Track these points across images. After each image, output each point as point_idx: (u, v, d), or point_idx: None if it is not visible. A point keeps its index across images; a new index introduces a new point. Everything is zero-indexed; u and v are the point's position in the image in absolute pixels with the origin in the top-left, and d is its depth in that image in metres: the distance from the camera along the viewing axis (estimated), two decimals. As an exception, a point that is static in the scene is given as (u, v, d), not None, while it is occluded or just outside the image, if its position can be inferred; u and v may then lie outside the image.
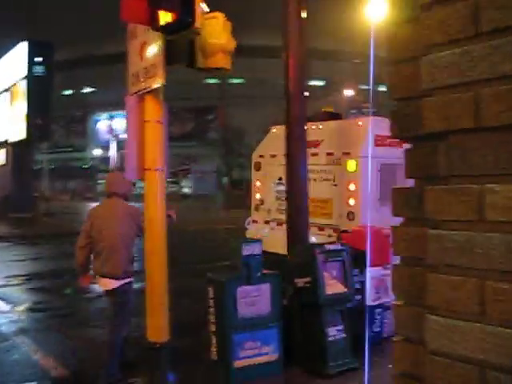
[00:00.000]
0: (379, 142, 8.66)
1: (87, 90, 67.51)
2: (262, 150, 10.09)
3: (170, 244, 5.09)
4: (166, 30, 4.49)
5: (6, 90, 29.64)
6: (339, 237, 7.65)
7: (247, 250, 5.87)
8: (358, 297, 6.82)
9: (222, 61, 4.99)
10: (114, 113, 60.81)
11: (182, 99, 47.78)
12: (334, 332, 6.10)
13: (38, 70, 26.21)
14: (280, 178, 9.15)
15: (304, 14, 6.54)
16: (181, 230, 16.08)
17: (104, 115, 65.18)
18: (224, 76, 44.64)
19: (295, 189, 6.61)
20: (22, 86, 27.13)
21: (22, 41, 27.55)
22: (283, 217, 8.03)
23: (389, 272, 7.49)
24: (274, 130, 10.11)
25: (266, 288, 5.92)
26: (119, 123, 60.00)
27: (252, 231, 10.04)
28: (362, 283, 6.99)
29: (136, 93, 5.05)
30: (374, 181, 8.42)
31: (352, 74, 42.78)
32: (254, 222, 10.19)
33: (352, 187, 8.42)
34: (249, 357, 5.71)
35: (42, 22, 47.64)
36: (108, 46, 61.12)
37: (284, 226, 7.65)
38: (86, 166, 64.84)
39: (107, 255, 5.70)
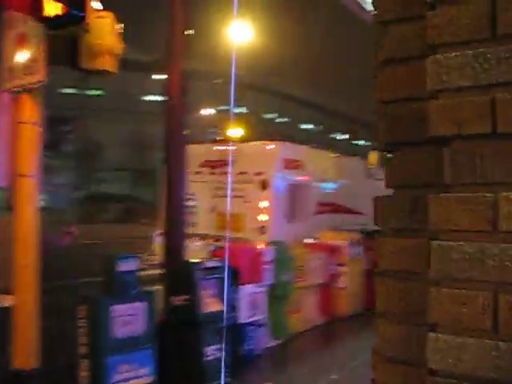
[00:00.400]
0: (286, 164, 9.91)
1: None
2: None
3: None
4: (52, 22, 4.10)
5: None
6: (212, 254, 7.52)
7: (123, 266, 5.52)
8: (232, 314, 6.74)
9: (108, 63, 4.69)
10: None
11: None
12: (212, 351, 5.94)
13: None
14: (191, 193, 9.05)
15: (189, 32, 6.46)
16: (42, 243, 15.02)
17: None
18: (83, 87, 42.90)
19: (172, 203, 6.37)
20: None
21: None
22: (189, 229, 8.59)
23: (262, 289, 7.54)
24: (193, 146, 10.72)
25: (141, 306, 5.59)
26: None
27: (159, 243, 9.76)
28: (236, 300, 6.93)
29: (10, 90, 4.55)
30: (282, 199, 9.66)
31: (211, 94, 43.19)
32: (162, 234, 10.04)
33: (263, 204, 9.41)
34: (123, 380, 5.33)
35: None
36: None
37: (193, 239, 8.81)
38: None
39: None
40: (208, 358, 5.86)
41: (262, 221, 9.38)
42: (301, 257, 8.79)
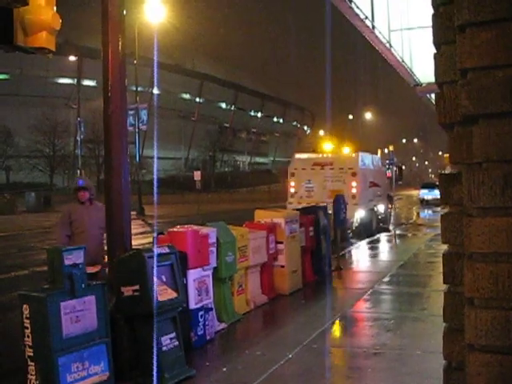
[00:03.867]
0: (362, 163, 19.97)
1: None
2: (294, 166, 20.25)
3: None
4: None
5: None
6: (155, 239, 7.24)
7: (70, 259, 5.17)
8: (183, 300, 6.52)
9: (46, 40, 4.30)
10: None
11: None
12: (167, 341, 5.74)
13: None
14: (308, 180, 19.59)
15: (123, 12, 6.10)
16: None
17: None
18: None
19: (116, 189, 6.04)
20: None
21: None
22: (309, 200, 18.23)
23: (209, 273, 7.36)
24: (297, 156, 21.01)
25: (91, 300, 5.28)
26: None
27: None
28: (185, 286, 6.72)
29: None
30: (361, 181, 19.45)
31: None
32: (290, 203, 19.47)
33: (354, 184, 19.09)
34: (77, 380, 5.03)
35: None
36: None
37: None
38: None
39: None
40: (163, 349, 5.65)
41: (353, 192, 18.91)
42: (242, 237, 8.69)
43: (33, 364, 4.99)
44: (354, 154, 20.66)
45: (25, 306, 5.04)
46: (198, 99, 76.18)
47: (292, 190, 19.94)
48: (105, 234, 6.59)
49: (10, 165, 52.34)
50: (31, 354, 5.00)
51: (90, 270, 6.17)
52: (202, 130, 71.42)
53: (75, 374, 5.01)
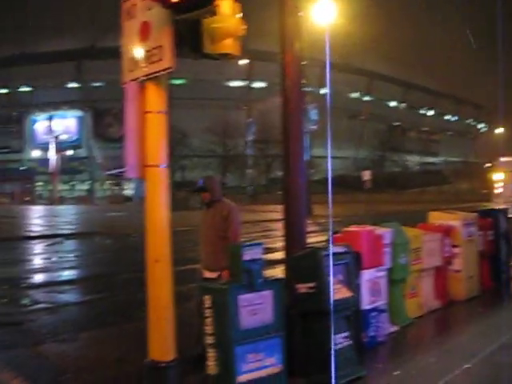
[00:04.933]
0: (507, 166, 23.87)
1: (24, 88, 65.41)
2: (500, 168, 23.06)
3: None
4: (179, 7, 3.98)
5: None
6: (331, 238, 7.28)
7: (248, 255, 5.40)
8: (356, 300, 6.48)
9: (231, 46, 4.52)
10: (53, 113, 58.68)
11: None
12: (341, 340, 5.75)
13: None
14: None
15: (300, 13, 6.27)
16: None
17: (42, 115, 63.23)
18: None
19: (293, 187, 6.19)
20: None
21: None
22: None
23: (382, 274, 7.23)
24: (503, 159, 23.91)
25: (268, 295, 5.46)
26: (59, 123, 57.95)
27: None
28: (358, 286, 6.67)
29: (135, 80, 4.50)
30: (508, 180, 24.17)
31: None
32: (495, 203, 21.14)
33: (500, 184, 23.46)
34: (252, 370, 5.22)
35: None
36: (45, 44, 58.86)
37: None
38: (24, 168, 62.91)
39: None
40: (337, 347, 5.66)
41: (498, 192, 22.03)
42: (416, 239, 8.41)
43: (212, 351, 5.28)
44: (501, 159, 23.15)
45: (206, 296, 5.35)
46: (366, 97, 75.30)
47: (498, 191, 22.71)
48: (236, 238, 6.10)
49: (185, 164, 56.19)
50: (211, 342, 5.29)
51: (208, 275, 6.16)
52: (370, 129, 70.53)
53: (251, 364, 5.21)
